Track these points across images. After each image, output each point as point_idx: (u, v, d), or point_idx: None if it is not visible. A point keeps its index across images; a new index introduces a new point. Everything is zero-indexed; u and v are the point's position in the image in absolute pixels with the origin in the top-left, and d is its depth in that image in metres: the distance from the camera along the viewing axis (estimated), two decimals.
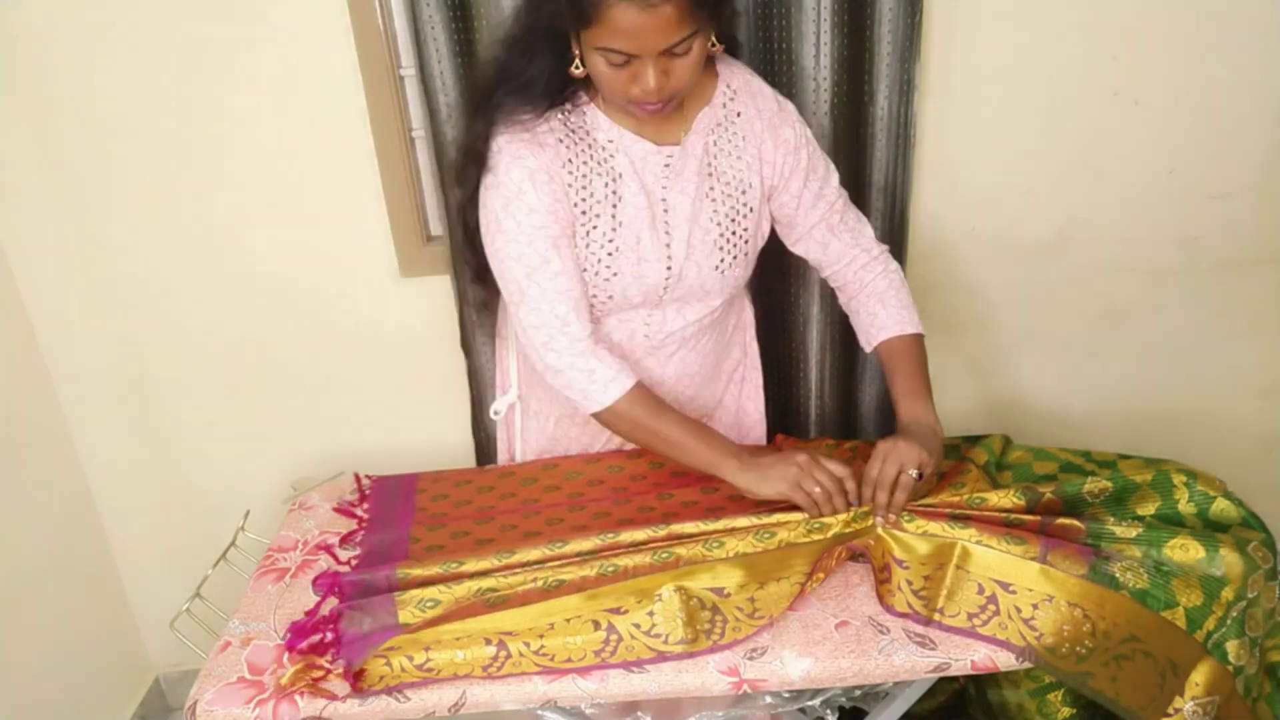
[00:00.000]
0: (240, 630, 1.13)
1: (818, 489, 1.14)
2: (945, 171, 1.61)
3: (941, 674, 1.06)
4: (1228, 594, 1.05)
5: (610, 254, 1.21)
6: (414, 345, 1.69)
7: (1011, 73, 1.55)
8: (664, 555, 1.13)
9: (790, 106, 1.27)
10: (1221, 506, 1.14)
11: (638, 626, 1.07)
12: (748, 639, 1.07)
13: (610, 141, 1.20)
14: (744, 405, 1.48)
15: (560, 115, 1.20)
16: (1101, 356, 1.79)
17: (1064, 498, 1.17)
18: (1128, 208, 1.66)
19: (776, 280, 1.65)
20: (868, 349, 1.32)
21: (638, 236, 1.22)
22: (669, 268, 1.24)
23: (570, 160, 1.19)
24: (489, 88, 1.22)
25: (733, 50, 1.29)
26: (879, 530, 1.14)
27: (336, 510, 1.36)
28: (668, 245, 1.23)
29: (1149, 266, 1.71)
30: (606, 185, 1.20)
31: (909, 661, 1.04)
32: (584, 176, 1.20)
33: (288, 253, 1.60)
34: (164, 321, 1.65)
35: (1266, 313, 1.76)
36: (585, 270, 1.22)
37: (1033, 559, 1.08)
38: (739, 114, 1.24)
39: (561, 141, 1.19)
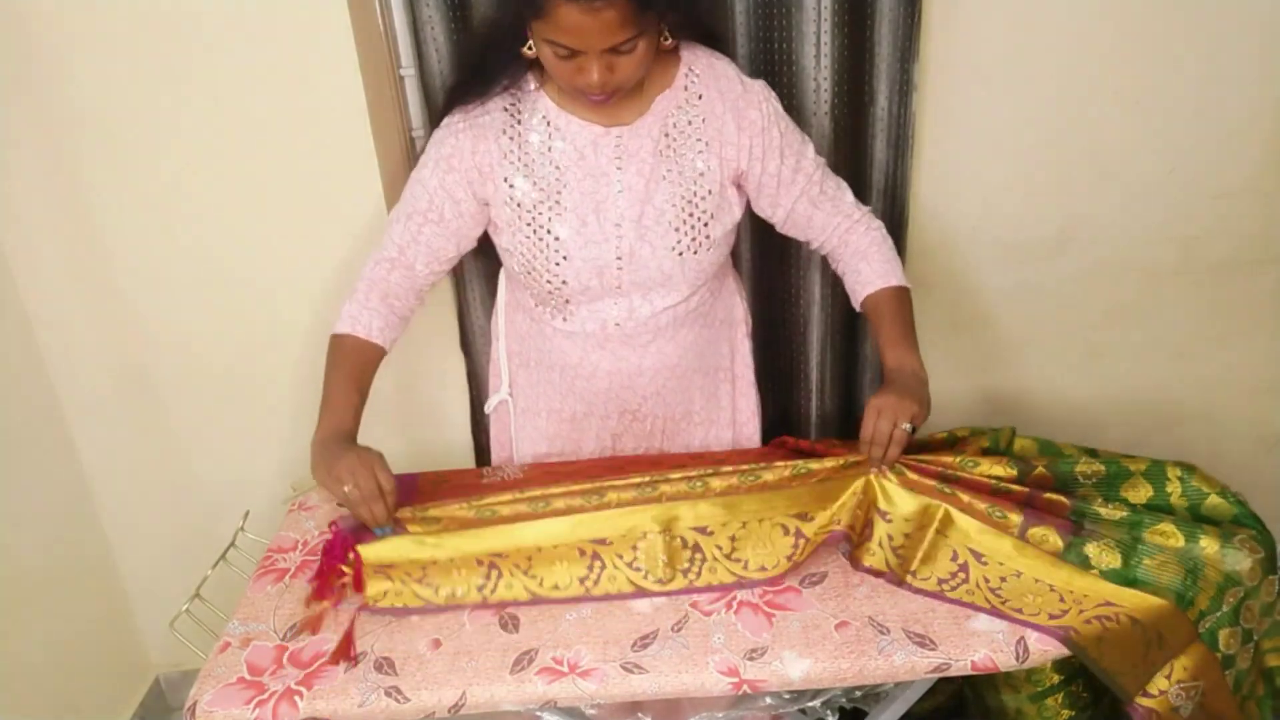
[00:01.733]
0: (240, 630, 1.13)
1: (353, 489, 1.12)
2: (945, 171, 1.61)
3: (941, 674, 1.06)
4: (1213, 574, 1.06)
5: (557, 238, 1.24)
6: (414, 345, 1.69)
7: (1012, 73, 1.55)
8: (648, 490, 1.18)
9: (757, 86, 1.27)
10: (1214, 503, 1.15)
11: (620, 558, 1.14)
12: (725, 588, 1.13)
13: (557, 129, 1.23)
14: (737, 403, 1.48)
15: (508, 102, 1.24)
16: (1102, 356, 1.79)
17: (1056, 474, 1.19)
18: (1128, 208, 1.66)
19: (777, 280, 1.65)
20: (858, 308, 1.35)
21: (583, 220, 1.24)
22: (619, 252, 1.25)
23: (509, 151, 1.24)
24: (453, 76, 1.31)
25: (713, 43, 1.30)
26: (871, 476, 1.17)
27: (336, 514, 1.36)
28: (618, 226, 1.24)
29: (1149, 266, 1.71)
30: (550, 173, 1.24)
31: (909, 662, 1.04)
32: (526, 166, 1.24)
33: (288, 252, 1.60)
34: (164, 321, 1.65)
35: (1266, 313, 1.76)
36: (537, 257, 1.25)
37: (1011, 533, 1.11)
38: (700, 96, 1.25)
39: (505, 132, 1.24)
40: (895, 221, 1.59)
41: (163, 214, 1.56)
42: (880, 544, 1.16)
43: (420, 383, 1.72)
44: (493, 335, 1.48)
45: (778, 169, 1.28)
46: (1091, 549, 1.08)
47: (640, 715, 1.32)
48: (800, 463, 1.21)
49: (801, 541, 1.15)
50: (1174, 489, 1.16)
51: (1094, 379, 1.81)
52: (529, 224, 1.25)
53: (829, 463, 1.20)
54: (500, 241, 1.30)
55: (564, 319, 1.32)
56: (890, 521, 1.16)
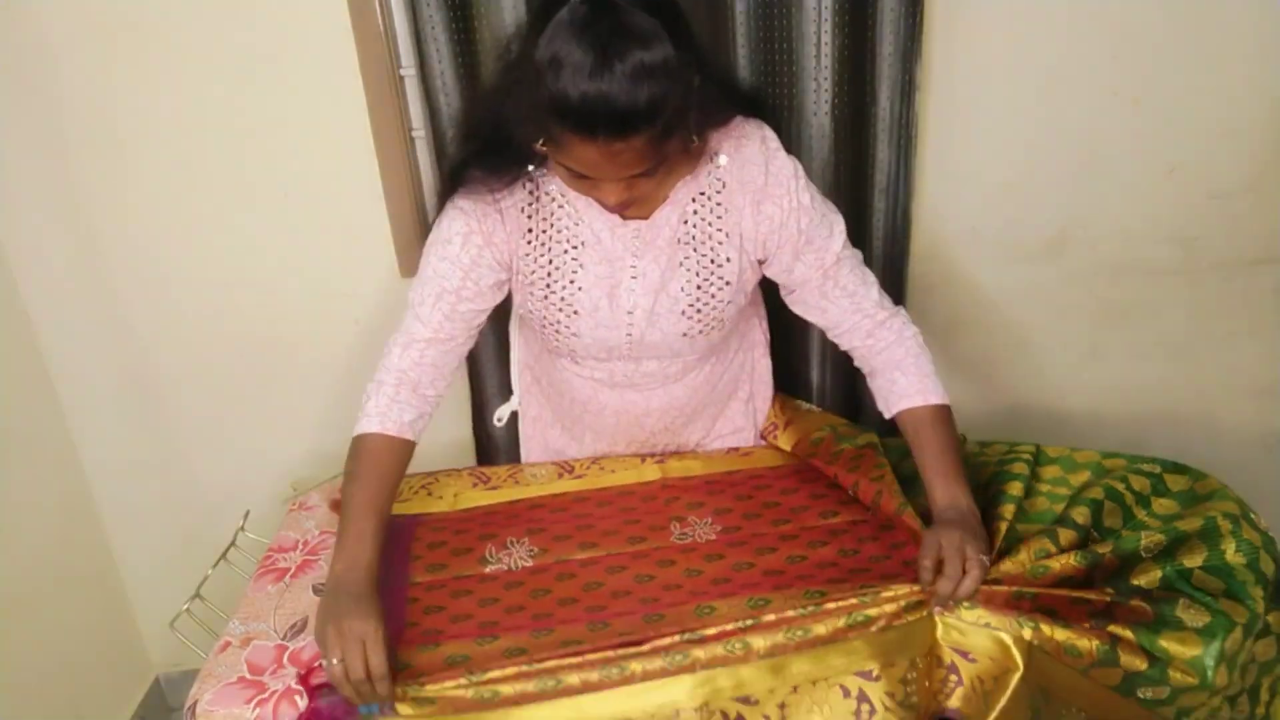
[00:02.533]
0: (240, 630, 1.13)
1: (339, 667, 0.98)
2: (946, 171, 1.61)
3: None
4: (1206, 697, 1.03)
5: (569, 316, 1.21)
6: None
7: (1012, 72, 1.55)
8: (678, 658, 0.99)
9: (784, 175, 1.16)
10: (1265, 559, 1.08)
11: None
12: None
13: (575, 210, 1.17)
14: (757, 414, 1.47)
15: (527, 183, 1.17)
16: (1102, 356, 1.79)
17: (1121, 556, 1.09)
18: (1128, 208, 1.66)
19: (778, 290, 1.65)
20: (886, 415, 1.24)
21: (595, 304, 1.20)
22: (629, 334, 1.23)
23: (532, 230, 1.18)
24: (462, 142, 1.20)
25: (754, 111, 1.20)
26: (935, 618, 1.04)
27: (336, 510, 1.36)
28: (630, 313, 1.21)
29: (1149, 266, 1.71)
30: (567, 253, 1.18)
31: None
32: (544, 246, 1.18)
33: (287, 252, 1.60)
34: (164, 321, 1.65)
35: (1266, 313, 1.75)
36: (549, 324, 1.22)
37: (1080, 670, 1.02)
38: (724, 185, 1.17)
39: (523, 211, 1.17)
40: (896, 221, 1.58)
41: (163, 214, 1.56)
42: (970, 687, 1.02)
43: None
44: (510, 343, 1.47)
45: (791, 263, 1.21)
46: (1150, 692, 1.02)
47: None
48: (856, 609, 1.03)
49: (865, 707, 1.00)
50: (1228, 545, 1.07)
51: (1094, 379, 1.81)
52: (544, 297, 1.21)
53: (888, 606, 1.03)
54: (515, 298, 1.26)
55: (573, 363, 1.31)
56: (974, 661, 1.03)
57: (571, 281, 1.19)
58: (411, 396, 1.18)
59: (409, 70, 1.53)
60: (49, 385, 1.68)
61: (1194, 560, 1.08)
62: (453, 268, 1.18)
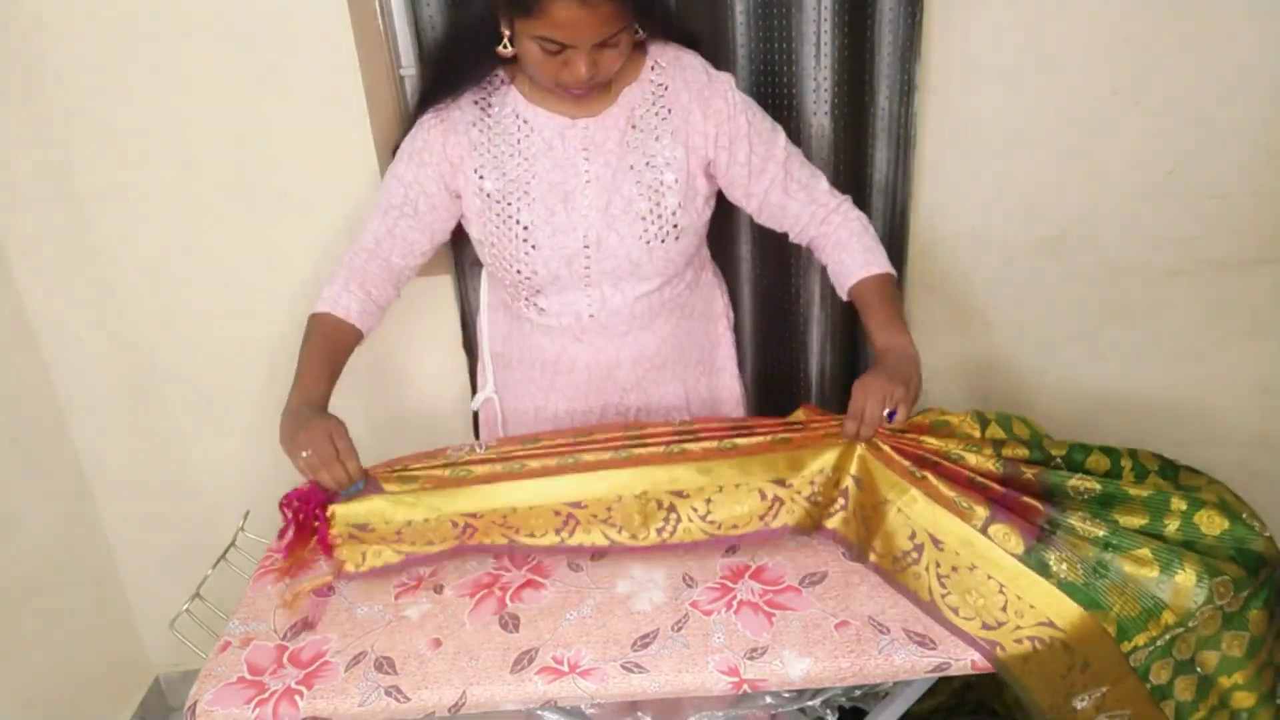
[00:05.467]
0: (240, 630, 1.14)
1: (311, 455, 1.13)
2: (945, 171, 1.62)
3: (941, 674, 1.06)
4: (1168, 617, 1.03)
5: (526, 228, 1.26)
6: (414, 344, 1.69)
7: (1012, 73, 1.55)
8: (623, 455, 1.19)
9: (723, 78, 1.28)
10: (1210, 545, 1.09)
11: (595, 518, 1.16)
12: (697, 544, 1.17)
13: (525, 122, 1.26)
14: (720, 394, 1.49)
15: (478, 95, 1.27)
16: (1101, 356, 1.79)
17: (1045, 486, 1.14)
18: (1128, 208, 1.66)
19: (777, 280, 1.65)
20: (844, 297, 1.33)
21: (551, 210, 1.26)
22: (586, 242, 1.27)
23: (481, 144, 1.27)
24: (424, 74, 1.35)
25: (691, 43, 1.31)
26: (848, 444, 1.17)
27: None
28: (585, 216, 1.27)
29: (1149, 266, 1.71)
30: (519, 165, 1.26)
31: (909, 661, 1.04)
32: (495, 158, 1.27)
33: (287, 252, 1.60)
34: (164, 321, 1.65)
35: (1266, 313, 1.75)
36: (507, 246, 1.28)
37: (973, 525, 1.08)
38: (665, 87, 1.27)
39: (475, 125, 1.27)
40: (895, 221, 1.59)
41: (163, 214, 1.57)
42: (853, 512, 1.17)
43: (420, 383, 1.72)
44: (478, 335, 1.50)
45: (747, 157, 1.29)
46: (1052, 557, 1.05)
47: (640, 714, 1.32)
48: (781, 432, 1.20)
49: (777, 505, 1.17)
50: (1171, 524, 1.10)
51: (1094, 379, 1.81)
52: (498, 214, 1.27)
53: (807, 432, 1.20)
54: (472, 233, 1.32)
55: (538, 311, 1.34)
56: (862, 489, 1.16)
57: (526, 193, 1.26)
58: (359, 290, 1.30)
59: (409, 70, 1.53)
60: (49, 385, 1.69)
61: (1129, 521, 1.10)
62: (397, 184, 1.29)
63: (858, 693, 1.19)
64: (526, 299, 1.34)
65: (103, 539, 1.82)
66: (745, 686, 1.03)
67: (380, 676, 1.05)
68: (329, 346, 1.28)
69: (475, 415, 1.70)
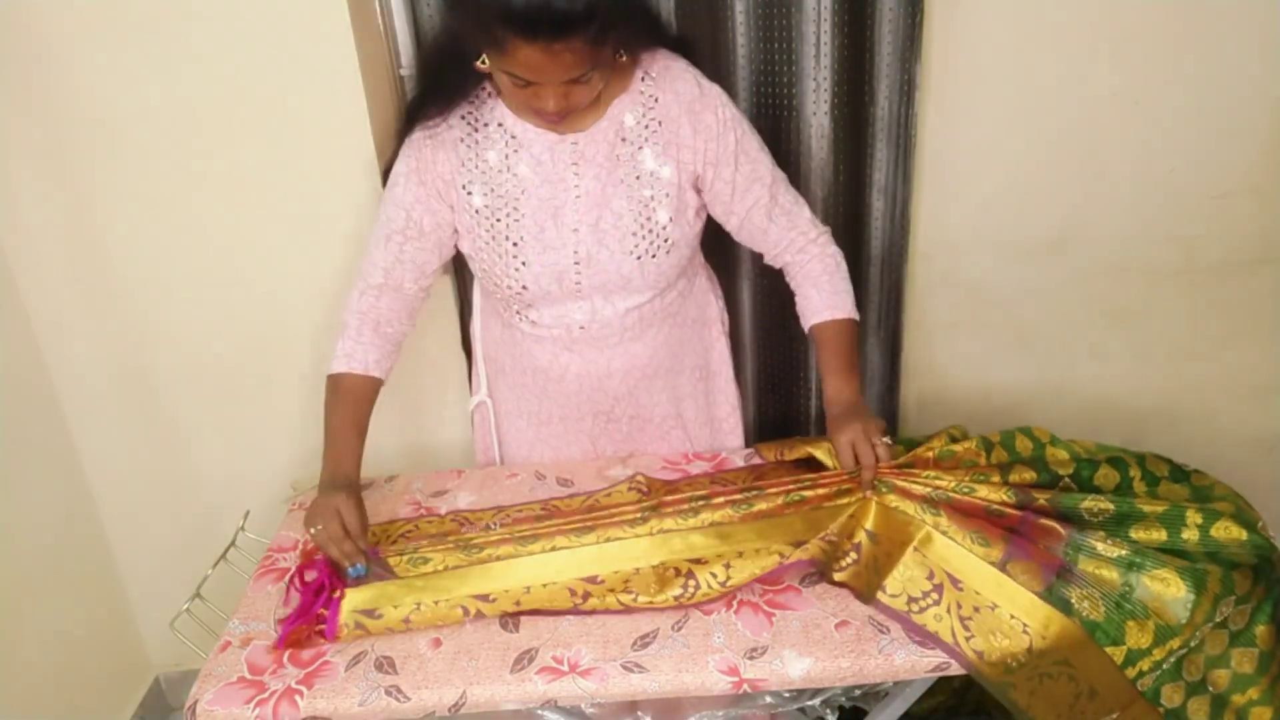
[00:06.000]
0: (240, 630, 1.14)
1: (319, 531, 1.17)
2: (945, 171, 1.61)
3: (941, 674, 1.06)
4: (1174, 643, 1.03)
5: (515, 243, 1.26)
6: (414, 345, 1.69)
7: (1012, 73, 1.55)
8: (640, 526, 1.18)
9: (714, 91, 1.26)
10: (1232, 554, 1.09)
11: (611, 591, 1.13)
12: (713, 601, 1.13)
13: (514, 137, 1.25)
14: (714, 400, 1.49)
15: (466, 110, 1.26)
16: (1101, 356, 1.79)
17: (1059, 510, 1.13)
18: (1128, 208, 1.66)
19: (777, 281, 1.65)
20: (806, 329, 1.34)
21: (541, 226, 1.25)
22: (577, 258, 1.26)
23: (468, 160, 1.25)
24: (416, 84, 1.33)
25: (683, 50, 1.29)
26: (864, 496, 1.17)
27: None
28: (575, 231, 1.25)
29: (1149, 266, 1.71)
30: (507, 180, 1.25)
31: (909, 661, 1.04)
32: (483, 174, 1.25)
33: (287, 252, 1.60)
34: (164, 321, 1.65)
35: (1266, 313, 1.75)
36: (497, 262, 1.27)
37: (992, 563, 1.06)
38: (656, 99, 1.25)
39: (463, 140, 1.26)
40: (895, 221, 1.59)
41: (163, 214, 1.56)
42: (864, 565, 1.13)
43: (420, 383, 1.72)
44: (472, 340, 1.49)
45: (732, 175, 1.27)
46: (1074, 594, 1.04)
47: (640, 714, 1.32)
48: (794, 490, 1.19)
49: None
50: (1190, 536, 1.09)
51: (1094, 379, 1.81)
52: (488, 230, 1.26)
53: (822, 489, 1.19)
54: (463, 247, 1.31)
55: (530, 323, 1.33)
56: (876, 543, 1.14)
57: (515, 209, 1.25)
58: (374, 336, 1.31)
59: (409, 70, 1.53)
60: (49, 385, 1.69)
61: (1147, 537, 1.09)
62: (397, 209, 1.28)
63: (858, 693, 1.19)
64: (518, 311, 1.33)
65: (103, 539, 1.82)
66: (745, 686, 1.03)
67: (380, 676, 1.05)
68: (352, 410, 1.28)
69: (473, 415, 1.71)
